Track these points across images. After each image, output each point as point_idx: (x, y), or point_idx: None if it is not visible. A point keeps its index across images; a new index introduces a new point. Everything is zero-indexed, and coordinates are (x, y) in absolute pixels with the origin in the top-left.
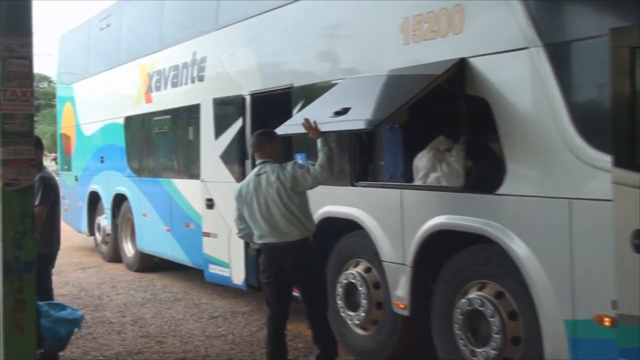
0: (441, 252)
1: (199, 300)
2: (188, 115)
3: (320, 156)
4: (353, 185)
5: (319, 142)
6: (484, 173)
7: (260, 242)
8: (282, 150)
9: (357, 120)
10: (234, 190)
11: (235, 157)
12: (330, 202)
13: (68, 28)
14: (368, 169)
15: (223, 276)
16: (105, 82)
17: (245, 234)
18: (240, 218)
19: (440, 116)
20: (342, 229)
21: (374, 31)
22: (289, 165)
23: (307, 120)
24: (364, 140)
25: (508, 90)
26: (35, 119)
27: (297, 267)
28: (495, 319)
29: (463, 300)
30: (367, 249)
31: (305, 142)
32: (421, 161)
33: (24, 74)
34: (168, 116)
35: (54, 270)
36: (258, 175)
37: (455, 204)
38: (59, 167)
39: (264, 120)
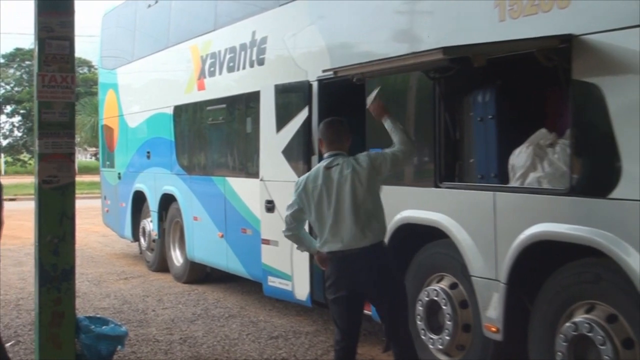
0: (541, 267)
1: (257, 318)
2: (246, 104)
3: (396, 132)
4: (437, 186)
5: (387, 122)
6: (594, 173)
7: (326, 249)
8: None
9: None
10: (295, 184)
11: (300, 153)
12: (409, 206)
13: (111, 6)
14: (455, 168)
15: (284, 290)
16: (152, 66)
17: (294, 235)
18: (295, 216)
19: (542, 106)
20: (423, 238)
21: (465, 6)
22: (361, 155)
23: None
24: (450, 133)
25: (624, 74)
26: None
27: (372, 278)
28: (606, 347)
29: (568, 324)
30: (452, 261)
31: (379, 133)
32: (519, 158)
33: (65, 57)
34: (223, 105)
35: (95, 281)
36: (328, 168)
37: (559, 210)
38: (100, 164)
39: (333, 110)
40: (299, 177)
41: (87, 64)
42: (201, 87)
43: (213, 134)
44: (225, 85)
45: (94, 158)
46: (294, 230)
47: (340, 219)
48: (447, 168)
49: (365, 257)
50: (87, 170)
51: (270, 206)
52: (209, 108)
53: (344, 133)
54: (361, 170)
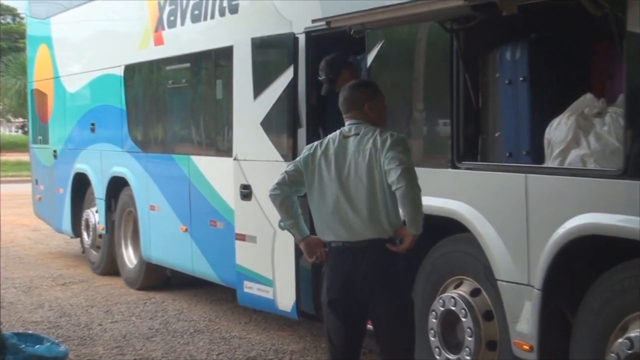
0: (586, 268)
1: (229, 333)
2: (215, 63)
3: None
4: (454, 166)
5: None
6: None
7: (325, 238)
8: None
9: None
10: (304, 148)
11: (283, 125)
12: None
13: None
14: (477, 143)
15: (264, 299)
16: (96, 15)
17: (282, 195)
18: (292, 175)
19: (588, 65)
20: (437, 232)
21: None
22: (390, 136)
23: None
24: (471, 100)
25: None
26: None
27: (375, 281)
28: None
29: (621, 341)
30: (474, 261)
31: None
32: (557, 132)
33: None
34: (186, 65)
35: (24, 288)
36: (346, 137)
37: (609, 196)
38: (30, 139)
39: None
40: (282, 154)
41: (12, 11)
42: (159, 42)
43: (174, 100)
44: (189, 38)
45: (20, 131)
46: (285, 190)
47: (349, 200)
48: (467, 144)
49: (372, 252)
50: (13, 147)
51: (246, 192)
52: (168, 68)
53: (359, 100)
54: (381, 149)
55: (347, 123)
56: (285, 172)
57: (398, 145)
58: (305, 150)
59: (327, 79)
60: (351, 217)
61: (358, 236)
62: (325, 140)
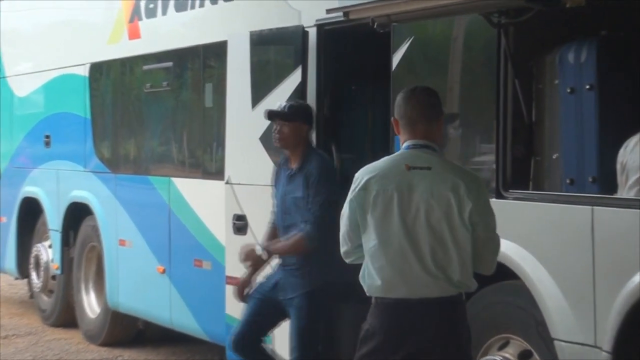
0: None
1: None
2: (204, 62)
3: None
4: (500, 196)
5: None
6: None
7: (378, 293)
8: None
9: None
10: (354, 178)
11: None
12: None
13: None
14: (529, 167)
15: None
16: (54, 1)
17: (354, 258)
18: (353, 230)
19: None
20: (478, 278)
21: None
22: (476, 183)
23: None
24: (522, 113)
25: None
26: None
27: (435, 350)
28: None
29: None
30: (524, 315)
31: None
32: (634, 154)
33: None
34: (168, 64)
35: None
36: (412, 168)
37: None
38: None
39: (342, 72)
40: None
41: None
42: (134, 35)
43: (152, 108)
44: (172, 31)
45: None
46: (358, 254)
47: (412, 251)
48: (517, 168)
49: (437, 312)
50: None
51: (240, 225)
52: (146, 68)
53: (435, 111)
54: (466, 198)
55: (409, 144)
56: (345, 233)
57: (489, 203)
58: (354, 183)
59: None
60: (411, 269)
61: (419, 293)
62: (380, 168)
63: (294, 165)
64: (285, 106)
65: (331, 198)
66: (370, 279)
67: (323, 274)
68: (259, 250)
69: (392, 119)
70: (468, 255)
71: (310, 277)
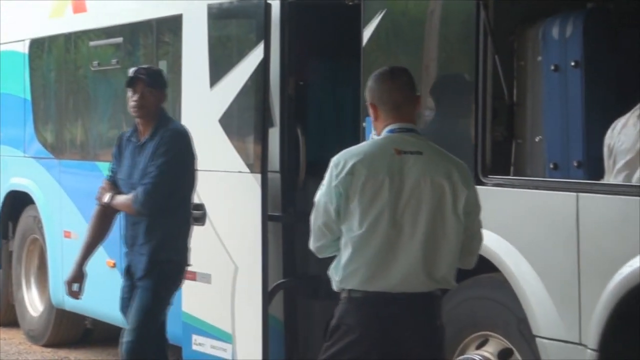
0: None
1: None
2: (157, 37)
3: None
4: (478, 182)
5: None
6: None
7: (359, 285)
8: None
9: None
10: (333, 163)
11: (250, 123)
12: None
13: None
14: (510, 151)
15: (219, 359)
16: None
17: (330, 252)
18: (336, 221)
19: None
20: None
21: None
22: (467, 171)
23: None
24: (503, 92)
25: None
26: None
27: (415, 346)
28: None
29: None
30: (504, 311)
31: None
32: (622, 136)
33: None
34: (118, 39)
35: None
36: (402, 152)
37: None
38: None
39: (307, 49)
40: (247, 164)
41: None
42: (79, 8)
43: (100, 88)
44: (122, 4)
45: None
46: (333, 248)
47: (399, 242)
48: (497, 151)
49: (417, 310)
50: None
51: (198, 215)
52: (93, 44)
53: (414, 92)
54: (460, 187)
55: (394, 128)
56: (322, 223)
57: (478, 196)
58: (333, 169)
59: None
60: (400, 262)
61: (407, 287)
62: (366, 154)
63: (145, 136)
64: (146, 71)
65: (174, 169)
66: (347, 271)
67: (167, 252)
68: (107, 197)
69: (368, 104)
70: (456, 249)
71: (154, 254)
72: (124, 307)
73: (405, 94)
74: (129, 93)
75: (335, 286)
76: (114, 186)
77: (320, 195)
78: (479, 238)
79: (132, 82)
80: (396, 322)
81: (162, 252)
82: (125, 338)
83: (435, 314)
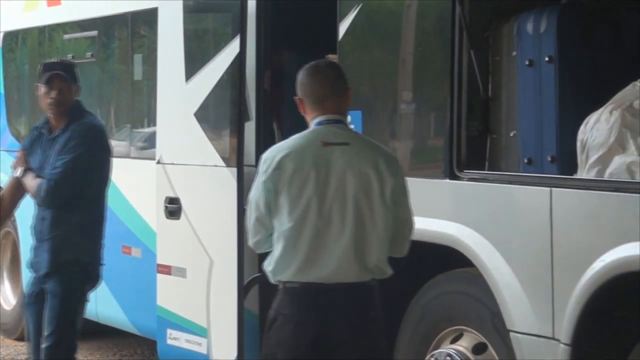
0: (632, 317)
1: None
2: (132, 31)
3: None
4: (453, 176)
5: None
6: None
7: (292, 277)
8: None
9: None
10: (262, 159)
11: (226, 117)
12: None
13: None
14: (484, 146)
15: (194, 352)
16: None
17: (267, 247)
18: (267, 216)
19: (634, 42)
20: (429, 265)
21: None
22: (394, 160)
23: None
24: (478, 87)
25: None
26: None
27: (350, 337)
28: None
29: None
30: (478, 305)
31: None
32: (595, 131)
33: None
34: (92, 33)
35: None
36: (328, 144)
37: None
38: None
39: (284, 42)
40: (223, 157)
41: None
42: (54, 1)
43: None
44: None
45: None
46: (268, 244)
47: (329, 232)
48: (472, 146)
49: (351, 299)
50: None
51: (173, 208)
52: (67, 37)
53: (343, 85)
54: (387, 175)
55: (321, 120)
56: (256, 219)
57: (406, 185)
58: (262, 165)
59: None
60: (330, 254)
61: (339, 277)
62: (293, 148)
63: (57, 129)
64: (62, 66)
65: (84, 165)
66: (280, 264)
67: (71, 251)
68: (19, 171)
69: (295, 98)
70: (386, 238)
71: (56, 253)
72: (30, 303)
73: (330, 88)
74: (44, 89)
75: (271, 279)
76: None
77: (252, 192)
78: (409, 226)
79: (50, 79)
80: (330, 312)
81: (65, 251)
82: (43, 344)
83: (370, 305)
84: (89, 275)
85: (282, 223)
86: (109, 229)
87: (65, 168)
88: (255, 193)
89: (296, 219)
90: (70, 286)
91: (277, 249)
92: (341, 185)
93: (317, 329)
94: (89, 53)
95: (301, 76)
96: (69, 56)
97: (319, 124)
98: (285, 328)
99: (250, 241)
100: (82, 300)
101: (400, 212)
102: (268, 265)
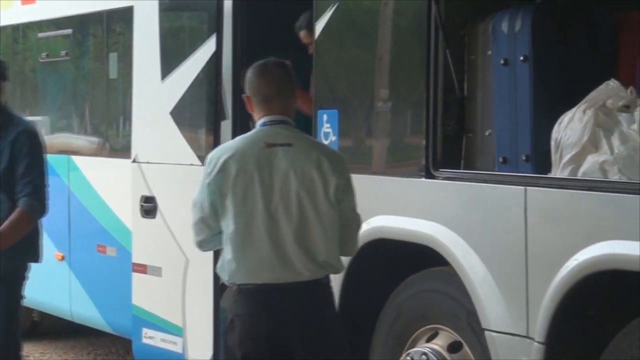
0: (604, 315)
1: None
2: (108, 29)
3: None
4: (429, 175)
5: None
6: None
7: (241, 279)
8: None
9: None
10: (206, 161)
11: (202, 116)
12: (382, 209)
13: None
14: (460, 144)
15: (169, 352)
16: None
17: (212, 246)
18: (211, 217)
19: (612, 41)
20: (405, 265)
21: None
22: (339, 159)
23: None
24: (453, 86)
25: None
26: None
27: (305, 336)
28: None
29: None
30: (454, 304)
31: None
32: (569, 130)
33: None
34: (67, 31)
35: None
36: (271, 145)
37: (637, 218)
38: None
39: (260, 42)
40: (198, 156)
41: None
42: None
43: (50, 80)
44: None
45: None
46: (214, 242)
47: (277, 233)
48: (447, 145)
49: (306, 295)
50: None
51: (149, 207)
52: (41, 35)
53: (290, 86)
54: (330, 175)
55: (265, 121)
56: (200, 219)
57: (351, 180)
58: (207, 168)
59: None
60: (278, 254)
61: (286, 277)
62: (237, 150)
63: None
64: None
65: (42, 166)
66: (233, 266)
67: (21, 253)
68: None
69: (243, 95)
70: (333, 235)
71: (10, 258)
72: None
73: (276, 88)
74: None
75: (225, 282)
76: None
77: (196, 192)
78: (355, 225)
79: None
80: (284, 311)
81: (17, 254)
82: None
83: (323, 302)
84: (26, 273)
85: (229, 225)
86: (84, 228)
87: (38, 172)
88: (200, 194)
89: (243, 221)
90: (16, 287)
91: (227, 252)
92: (285, 186)
93: (270, 328)
94: (64, 51)
95: (249, 74)
96: (43, 54)
97: (264, 124)
98: (241, 328)
99: (194, 240)
100: (21, 297)
101: (345, 210)
102: (221, 269)
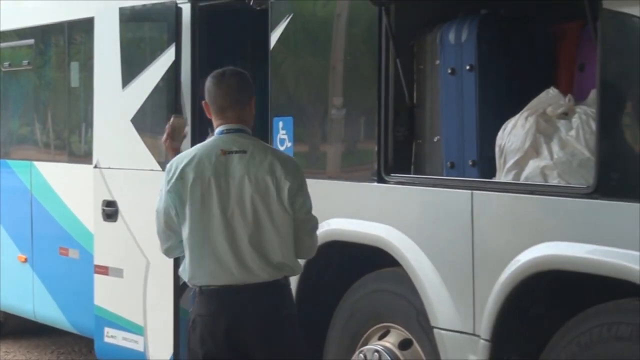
0: (547, 313)
1: None
2: (69, 39)
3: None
4: (381, 180)
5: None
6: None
7: (200, 281)
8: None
9: None
10: (167, 169)
11: (161, 123)
12: (336, 212)
13: None
14: (410, 150)
15: (131, 350)
16: None
17: (178, 252)
18: (175, 223)
19: (551, 51)
20: (358, 266)
21: None
22: (297, 169)
23: None
24: (403, 95)
25: None
26: None
27: (264, 335)
28: None
29: None
30: (404, 304)
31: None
32: (512, 136)
33: None
34: (29, 41)
35: None
36: (227, 153)
37: (576, 220)
38: None
39: (218, 51)
40: (159, 162)
41: None
42: None
43: (12, 88)
44: (34, 6)
45: None
46: (179, 249)
47: (234, 237)
48: (399, 151)
49: (263, 297)
50: None
51: (110, 211)
52: (4, 45)
53: (247, 95)
54: (282, 182)
55: (222, 129)
56: (164, 223)
57: (305, 184)
58: (166, 175)
59: None
60: (235, 257)
61: (244, 279)
62: (194, 157)
63: None
64: None
65: None
66: (194, 270)
67: None
68: None
69: (202, 102)
70: (288, 237)
71: None
72: None
73: (232, 98)
74: None
75: (188, 284)
76: None
77: (158, 201)
78: (310, 227)
79: None
80: (244, 311)
81: None
82: None
83: (281, 303)
84: None
85: (189, 231)
86: (46, 231)
87: None
88: (162, 203)
89: (202, 227)
90: None
91: (187, 257)
92: (240, 191)
93: (230, 327)
94: (25, 61)
95: (208, 83)
96: (5, 64)
97: (220, 132)
98: (203, 328)
99: (161, 247)
100: None
101: (298, 212)
102: (183, 272)
